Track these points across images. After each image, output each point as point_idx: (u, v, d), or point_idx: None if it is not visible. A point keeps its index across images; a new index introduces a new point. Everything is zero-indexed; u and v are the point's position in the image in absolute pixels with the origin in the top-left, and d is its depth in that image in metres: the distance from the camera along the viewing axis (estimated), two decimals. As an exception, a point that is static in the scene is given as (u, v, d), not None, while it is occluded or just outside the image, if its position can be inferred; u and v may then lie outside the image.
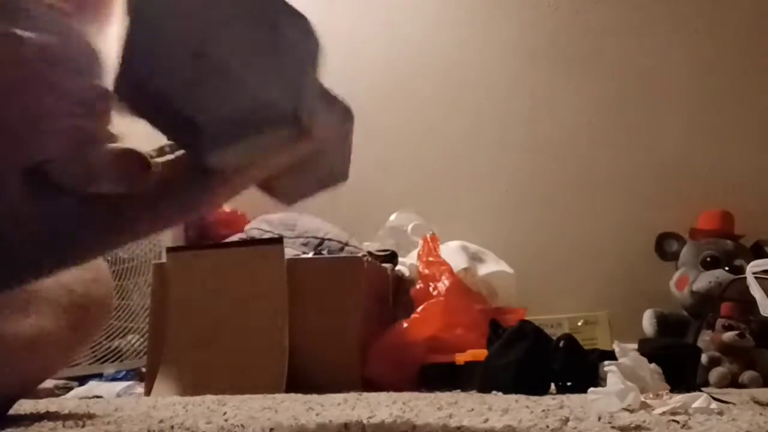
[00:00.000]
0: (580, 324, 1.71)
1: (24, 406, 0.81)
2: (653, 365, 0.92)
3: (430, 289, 1.57)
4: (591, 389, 0.73)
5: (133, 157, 0.42)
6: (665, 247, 1.91)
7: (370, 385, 1.32)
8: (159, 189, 0.43)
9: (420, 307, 1.49)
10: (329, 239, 1.72)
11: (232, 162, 0.42)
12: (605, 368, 0.93)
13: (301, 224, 1.75)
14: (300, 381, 1.31)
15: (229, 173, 0.44)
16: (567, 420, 0.58)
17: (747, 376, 1.46)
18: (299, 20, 0.43)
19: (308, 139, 0.43)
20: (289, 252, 1.52)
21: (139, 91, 0.42)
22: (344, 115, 0.50)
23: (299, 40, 0.43)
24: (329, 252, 1.66)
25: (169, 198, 0.44)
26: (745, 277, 0.86)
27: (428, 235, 1.77)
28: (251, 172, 0.45)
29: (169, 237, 1.79)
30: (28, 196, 0.40)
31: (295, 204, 0.52)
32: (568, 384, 1.07)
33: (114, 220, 0.43)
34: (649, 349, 1.03)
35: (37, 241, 0.41)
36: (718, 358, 1.50)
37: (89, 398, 1.31)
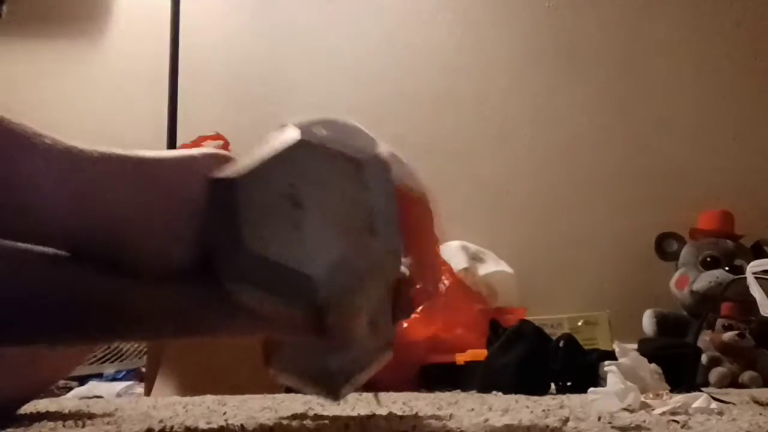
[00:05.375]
0: (580, 324, 1.70)
1: (24, 406, 0.80)
2: (653, 365, 0.92)
3: (430, 289, 1.57)
4: (591, 389, 0.73)
5: None
6: (665, 247, 1.91)
7: (370, 385, 1.32)
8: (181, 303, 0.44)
9: (420, 307, 1.49)
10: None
11: (244, 300, 0.42)
12: (605, 368, 0.93)
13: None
14: (300, 381, 1.31)
15: (238, 310, 0.43)
16: (567, 420, 0.58)
17: (747, 376, 1.46)
18: (395, 240, 0.43)
19: (320, 333, 0.42)
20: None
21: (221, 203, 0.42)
22: (381, 351, 0.49)
23: (383, 256, 0.43)
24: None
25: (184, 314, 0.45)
26: (745, 277, 0.86)
27: (428, 235, 1.76)
28: (257, 324, 0.46)
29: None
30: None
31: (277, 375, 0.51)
32: (568, 384, 1.07)
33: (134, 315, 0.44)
34: (649, 349, 1.03)
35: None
36: (718, 358, 1.50)
37: (89, 398, 1.31)
